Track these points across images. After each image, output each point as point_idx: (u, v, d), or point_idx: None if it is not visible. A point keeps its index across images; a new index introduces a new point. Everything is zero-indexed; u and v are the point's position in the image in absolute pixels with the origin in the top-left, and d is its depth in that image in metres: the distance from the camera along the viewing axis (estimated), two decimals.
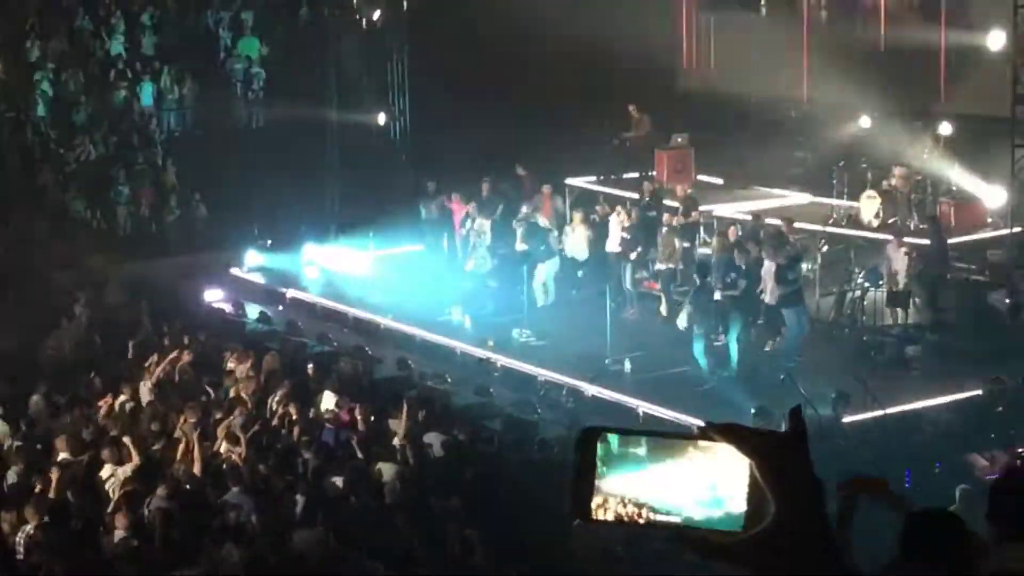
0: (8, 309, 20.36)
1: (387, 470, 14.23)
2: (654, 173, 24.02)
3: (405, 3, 27.75)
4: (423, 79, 27.04)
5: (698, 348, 18.52)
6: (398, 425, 15.46)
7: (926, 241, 19.97)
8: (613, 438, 2.37)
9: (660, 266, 21.13)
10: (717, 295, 19.16)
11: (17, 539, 12.62)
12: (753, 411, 16.39)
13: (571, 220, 22.93)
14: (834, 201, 22.95)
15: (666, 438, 2.37)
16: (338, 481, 13.87)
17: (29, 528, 12.66)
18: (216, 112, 28.86)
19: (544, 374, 18.66)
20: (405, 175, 27.24)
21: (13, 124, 26.99)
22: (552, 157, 24.22)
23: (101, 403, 16.40)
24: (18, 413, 16.26)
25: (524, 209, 22.78)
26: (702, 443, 2.35)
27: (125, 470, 14.16)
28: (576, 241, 22.28)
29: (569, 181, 24.81)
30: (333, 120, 26.89)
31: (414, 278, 22.72)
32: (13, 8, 28.34)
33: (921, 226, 20.68)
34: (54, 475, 13.84)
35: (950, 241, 20.45)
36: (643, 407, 17.40)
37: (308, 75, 28.98)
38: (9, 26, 28.09)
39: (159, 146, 27.67)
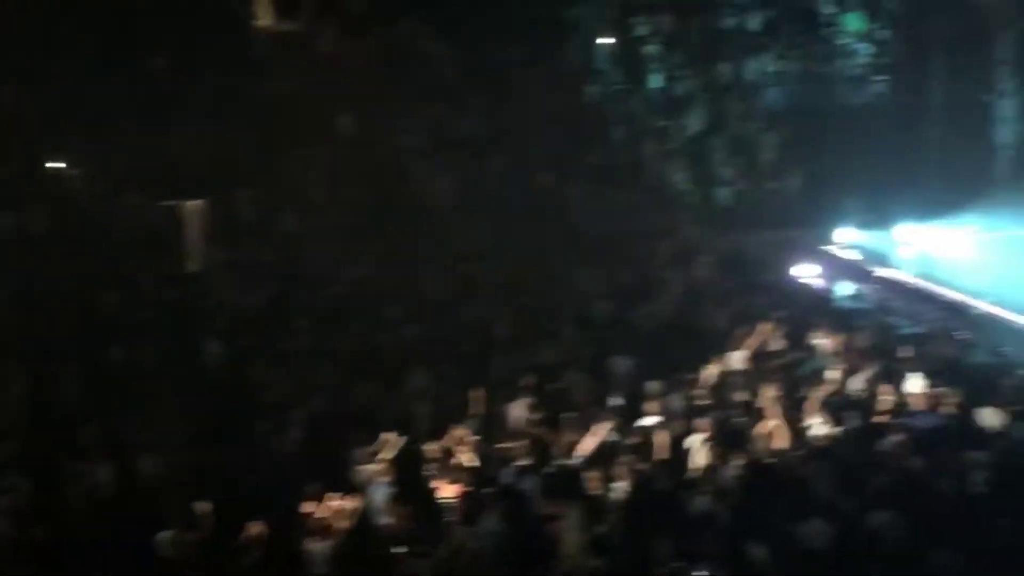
0: (605, 275, 21.19)
1: (974, 458, 13.74)
2: None
3: None
4: None
5: None
6: (991, 414, 14.88)
7: None
8: None
9: None
10: None
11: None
12: None
13: None
14: None
15: None
16: (922, 466, 13.56)
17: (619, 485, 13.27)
18: (818, 88, 28.74)
19: None
20: (1011, 156, 26.18)
21: (621, 96, 27.96)
22: None
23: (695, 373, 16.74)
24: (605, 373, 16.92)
25: None
26: None
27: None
28: None
29: None
30: (935, 98, 26.17)
31: (1015, 263, 21.77)
32: None
33: None
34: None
35: None
36: None
37: (911, 51, 28.36)
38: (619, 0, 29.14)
39: (760, 121, 27.86)
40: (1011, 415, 14.91)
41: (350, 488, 13.48)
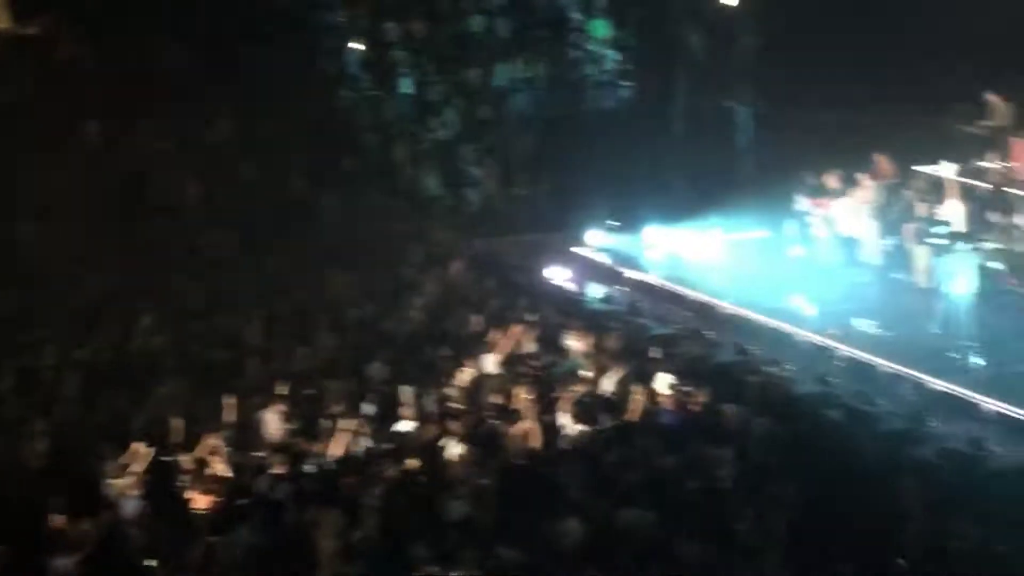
0: (358, 280, 21.13)
1: (720, 454, 14.11)
2: (1010, 164, 22.92)
3: None
4: (773, 62, 26.60)
5: None
6: (733, 410, 15.31)
7: None
8: None
9: None
10: None
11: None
12: None
13: None
14: None
15: None
16: (671, 463, 13.87)
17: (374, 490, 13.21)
18: (566, 94, 29.14)
19: (887, 365, 18.19)
20: (752, 161, 26.95)
21: (373, 101, 27.92)
22: (910, 144, 23.35)
23: (449, 377, 16.78)
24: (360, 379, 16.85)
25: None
26: None
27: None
28: None
29: (916, 168, 23.89)
30: (679, 104, 26.80)
31: (759, 265, 22.46)
32: None
33: None
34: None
35: None
36: (991, 404, 16.77)
37: (655, 58, 28.98)
38: (369, 6, 29.07)
39: (510, 126, 28.12)
40: (754, 412, 15.35)
41: (99, 502, 13.14)
